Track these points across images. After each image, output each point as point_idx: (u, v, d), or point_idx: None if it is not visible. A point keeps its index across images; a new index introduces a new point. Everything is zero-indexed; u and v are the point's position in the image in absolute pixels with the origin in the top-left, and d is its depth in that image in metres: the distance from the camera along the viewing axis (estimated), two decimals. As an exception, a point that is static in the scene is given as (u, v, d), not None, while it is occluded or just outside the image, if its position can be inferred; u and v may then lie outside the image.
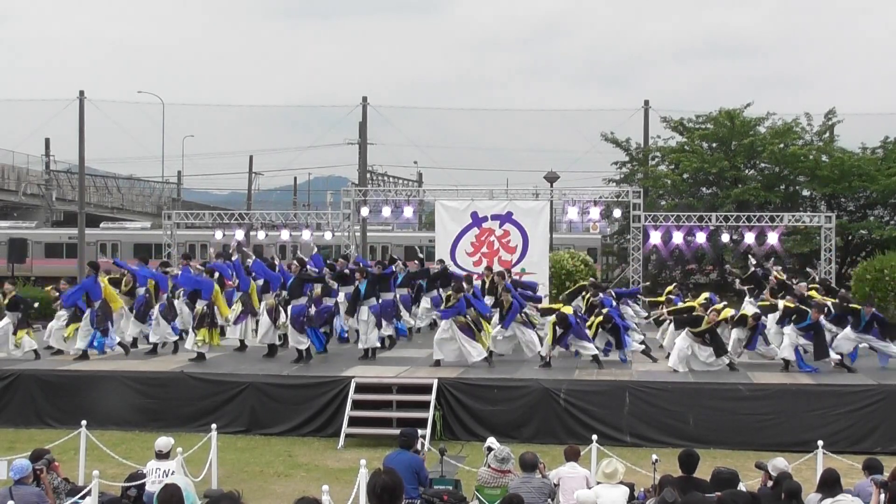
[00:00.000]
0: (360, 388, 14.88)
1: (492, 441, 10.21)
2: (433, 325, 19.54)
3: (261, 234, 31.38)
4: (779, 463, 9.00)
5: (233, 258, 18.61)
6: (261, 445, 14.36)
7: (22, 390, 15.80)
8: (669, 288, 21.05)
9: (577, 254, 32.88)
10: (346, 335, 19.15)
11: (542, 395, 14.59)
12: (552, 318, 16.15)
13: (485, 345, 16.13)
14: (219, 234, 30.30)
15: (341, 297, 18.29)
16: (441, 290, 19.37)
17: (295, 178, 73.11)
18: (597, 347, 16.28)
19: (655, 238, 27.06)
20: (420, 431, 10.96)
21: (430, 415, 14.26)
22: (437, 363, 16.01)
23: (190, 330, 17.11)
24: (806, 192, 34.68)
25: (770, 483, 9.02)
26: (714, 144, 34.50)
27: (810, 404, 14.07)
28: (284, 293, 17.13)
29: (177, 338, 17.93)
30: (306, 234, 29.67)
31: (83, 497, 9.26)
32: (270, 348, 17.31)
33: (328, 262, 20.69)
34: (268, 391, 15.30)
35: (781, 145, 32.94)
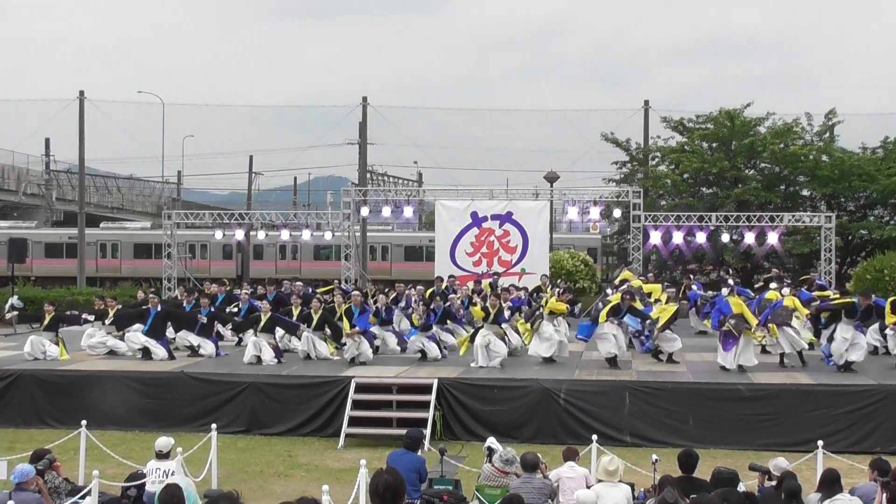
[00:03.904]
0: (360, 388, 14.88)
1: (492, 441, 10.19)
2: None
3: (261, 234, 31.36)
4: (780, 463, 9.00)
5: None
6: (261, 445, 14.35)
7: (22, 390, 15.81)
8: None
9: (577, 254, 32.92)
10: None
11: (542, 395, 14.58)
12: None
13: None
14: (219, 234, 30.29)
15: None
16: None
17: (295, 178, 73.24)
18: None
19: (655, 238, 27.05)
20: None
21: (430, 415, 14.27)
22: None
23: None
24: (806, 192, 34.62)
25: (767, 483, 9.03)
26: (714, 144, 34.45)
27: (810, 404, 14.06)
28: None
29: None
30: (306, 234, 29.69)
31: (83, 497, 9.25)
32: None
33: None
34: (268, 391, 15.31)
35: (781, 145, 32.91)
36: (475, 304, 18.28)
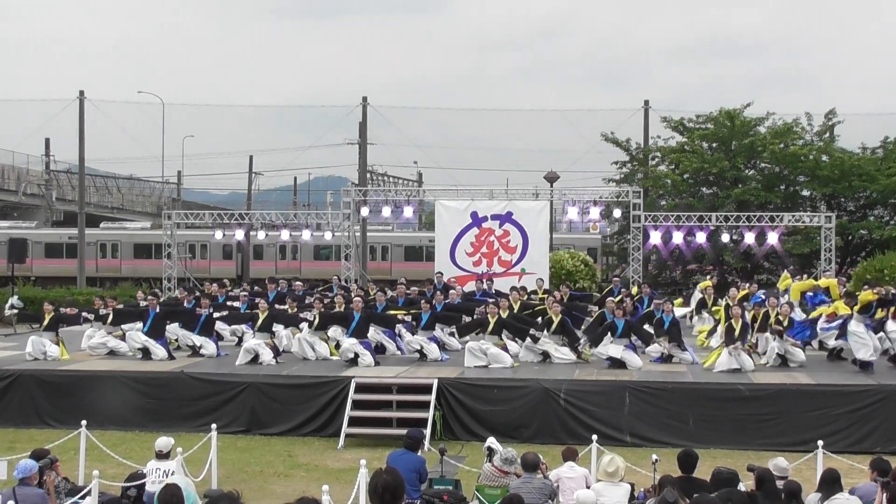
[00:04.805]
0: (360, 388, 14.87)
1: (492, 441, 10.19)
2: None
3: (261, 234, 31.36)
4: (780, 462, 8.99)
5: None
6: (261, 445, 14.35)
7: (22, 390, 15.80)
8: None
9: (577, 254, 32.91)
10: None
11: (542, 395, 14.58)
12: None
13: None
14: (219, 234, 30.30)
15: None
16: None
17: (295, 178, 73.25)
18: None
19: (655, 238, 27.05)
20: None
21: (430, 415, 14.27)
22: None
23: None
24: (806, 192, 34.67)
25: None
26: (714, 144, 34.49)
27: (810, 404, 14.06)
28: None
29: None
30: (306, 234, 29.69)
31: (83, 497, 9.25)
32: None
33: None
34: (268, 391, 15.30)
35: (781, 145, 32.93)
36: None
